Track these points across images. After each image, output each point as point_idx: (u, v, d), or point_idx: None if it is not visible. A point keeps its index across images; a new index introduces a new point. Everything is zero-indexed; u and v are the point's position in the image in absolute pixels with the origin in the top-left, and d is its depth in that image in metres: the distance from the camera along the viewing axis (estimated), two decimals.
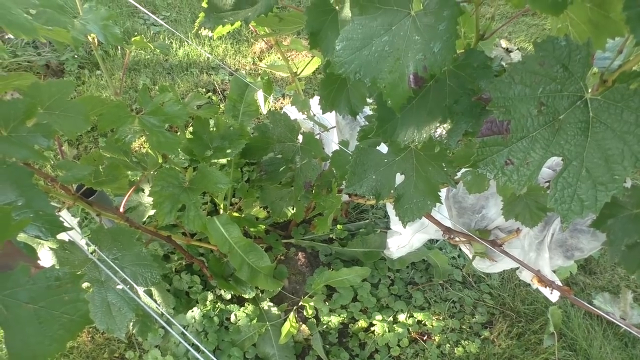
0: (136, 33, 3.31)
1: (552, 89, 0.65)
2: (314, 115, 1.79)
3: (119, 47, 3.14)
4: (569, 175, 0.64)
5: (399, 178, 1.03)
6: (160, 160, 1.59)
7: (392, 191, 1.05)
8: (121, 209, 1.38)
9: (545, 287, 1.15)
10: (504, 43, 3.34)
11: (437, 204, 1.01)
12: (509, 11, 3.94)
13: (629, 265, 0.94)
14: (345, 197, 1.71)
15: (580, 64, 0.64)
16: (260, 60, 3.39)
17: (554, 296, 1.22)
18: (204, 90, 3.01)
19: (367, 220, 2.40)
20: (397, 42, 0.70)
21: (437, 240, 2.34)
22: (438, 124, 0.79)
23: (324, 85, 1.12)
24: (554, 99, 0.65)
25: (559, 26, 0.88)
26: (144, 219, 1.84)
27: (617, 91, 0.62)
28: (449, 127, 0.79)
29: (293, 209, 1.70)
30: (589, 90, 0.65)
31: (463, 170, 1.12)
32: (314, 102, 1.87)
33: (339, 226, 2.31)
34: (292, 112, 1.73)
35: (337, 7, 1.00)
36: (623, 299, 2.04)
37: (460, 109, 0.77)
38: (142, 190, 1.84)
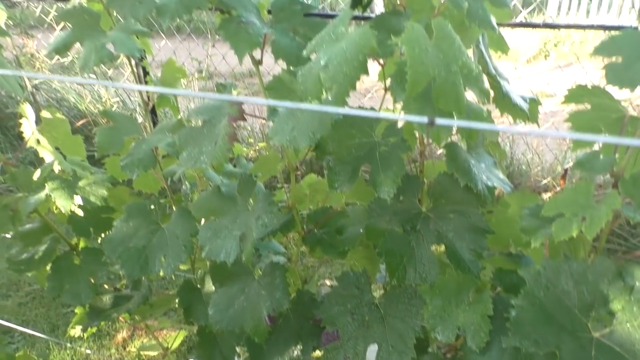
0: None
1: (356, 303, 0.92)
2: None
3: None
4: (383, 353, 0.86)
5: None
6: None
7: None
8: None
9: None
10: (328, 282, 3.83)
11: None
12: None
13: None
14: None
15: (365, 283, 0.92)
16: (124, 349, 3.28)
17: None
18: None
19: None
20: (251, 298, 0.93)
21: None
22: (294, 347, 0.99)
23: (200, 346, 1.26)
24: (359, 308, 0.91)
25: (351, 263, 1.21)
26: None
27: (390, 294, 0.91)
28: (301, 347, 0.99)
29: None
30: (377, 297, 0.93)
31: None
32: None
33: None
34: None
35: (199, 286, 1.22)
36: None
37: (306, 333, 0.99)
38: None
